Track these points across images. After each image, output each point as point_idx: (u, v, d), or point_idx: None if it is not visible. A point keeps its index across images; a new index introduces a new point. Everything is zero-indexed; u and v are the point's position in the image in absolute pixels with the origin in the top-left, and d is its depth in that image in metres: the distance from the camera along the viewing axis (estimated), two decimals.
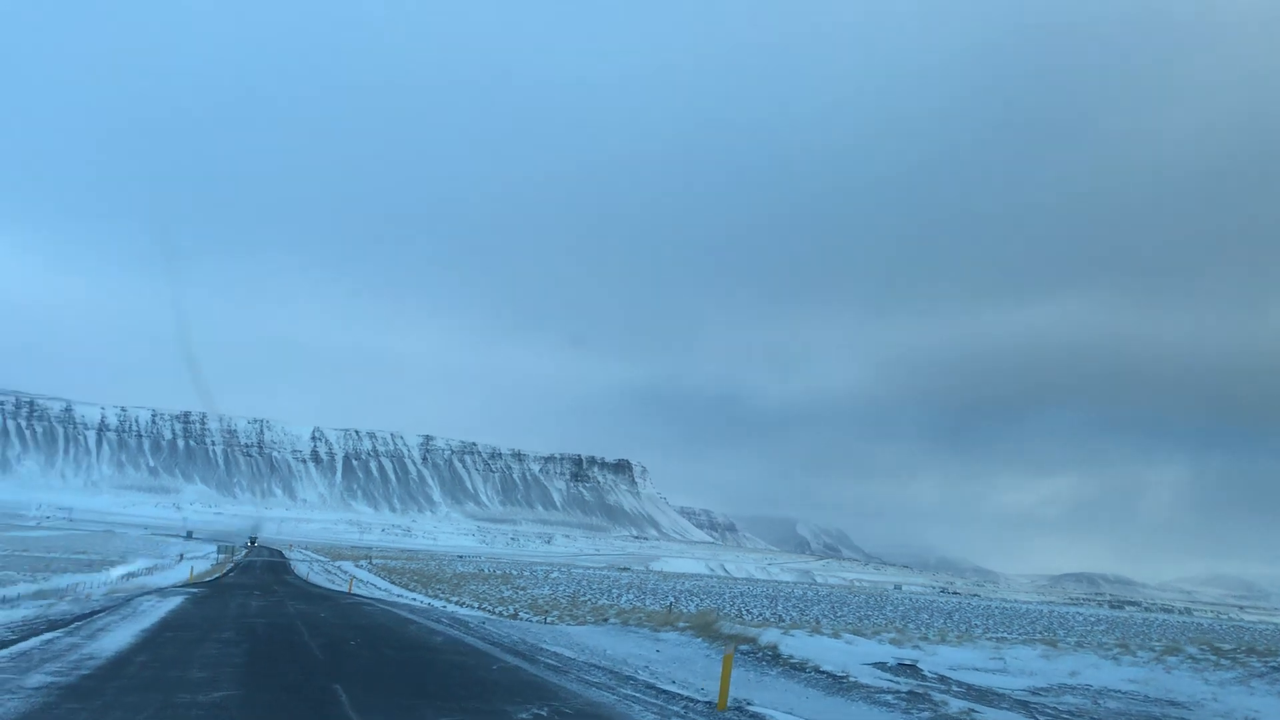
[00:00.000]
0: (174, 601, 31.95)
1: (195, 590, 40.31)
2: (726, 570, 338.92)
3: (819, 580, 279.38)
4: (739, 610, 58.69)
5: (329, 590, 49.12)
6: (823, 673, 20.22)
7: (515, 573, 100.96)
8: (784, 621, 44.97)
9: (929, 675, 21.63)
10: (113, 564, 67.61)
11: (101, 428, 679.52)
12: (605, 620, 31.92)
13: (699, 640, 25.17)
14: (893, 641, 29.30)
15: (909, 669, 22.60)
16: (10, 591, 34.98)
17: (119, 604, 30.22)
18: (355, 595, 44.23)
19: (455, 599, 50.07)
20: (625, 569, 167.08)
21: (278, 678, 16.33)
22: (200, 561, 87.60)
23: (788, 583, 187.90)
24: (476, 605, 44.81)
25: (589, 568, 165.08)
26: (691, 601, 65.61)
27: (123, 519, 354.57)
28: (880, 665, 22.78)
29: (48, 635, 20.19)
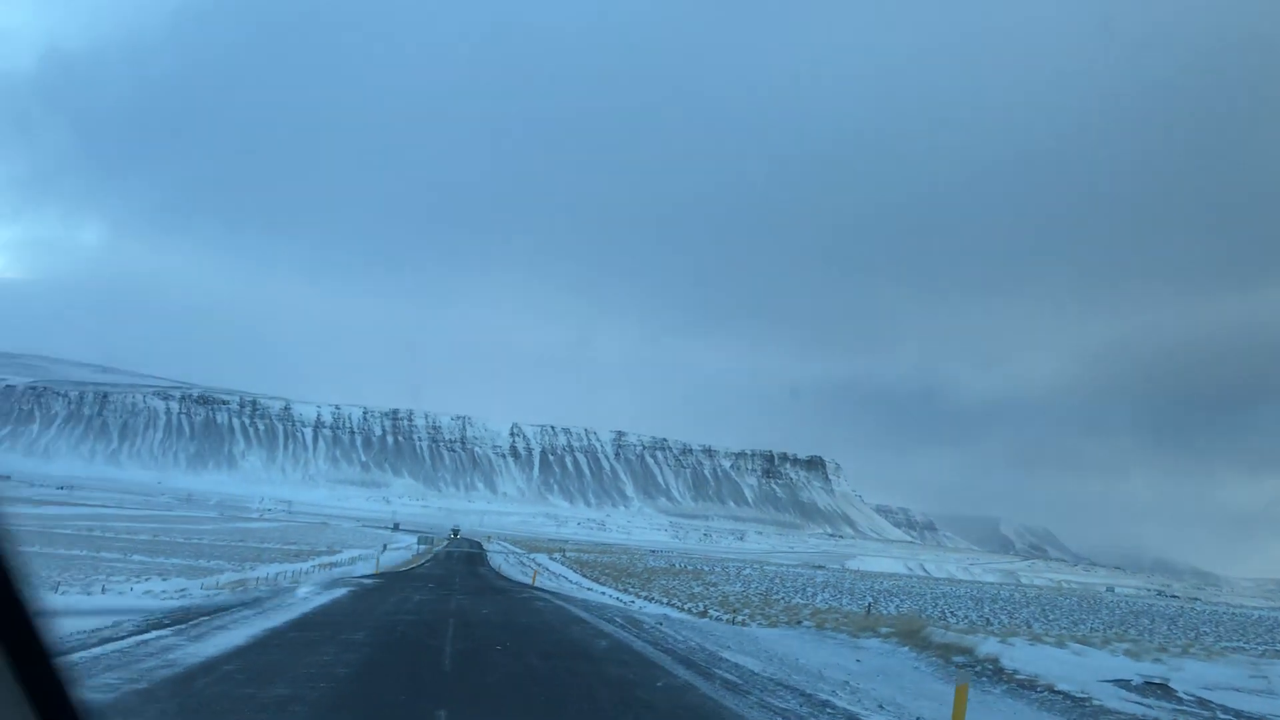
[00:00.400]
0: (334, 595, 31.35)
1: (371, 582, 39.95)
2: (926, 570, 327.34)
3: (1024, 581, 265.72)
4: (942, 612, 55.06)
5: (511, 583, 47.86)
6: (1058, 692, 17.34)
7: (706, 568, 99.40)
8: (992, 625, 41.45)
9: (1185, 698, 18.40)
10: (318, 554, 70.11)
11: (317, 425, 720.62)
12: (799, 622, 29.50)
13: (905, 649, 22.52)
14: (1128, 654, 25.69)
15: (1159, 689, 19.36)
16: (209, 581, 35.86)
17: (271, 595, 29.49)
18: (536, 589, 42.87)
19: (645, 594, 48.76)
20: (820, 566, 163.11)
21: (375, 698, 13.46)
22: (402, 552, 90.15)
23: (991, 584, 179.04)
24: (665, 601, 43.23)
25: (782, 565, 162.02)
26: (891, 602, 62.26)
27: (336, 511, 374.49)
28: (1123, 683, 19.61)
29: (152, 634, 17.81)
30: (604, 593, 49.10)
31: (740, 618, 34.67)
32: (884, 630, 24.87)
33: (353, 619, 24.00)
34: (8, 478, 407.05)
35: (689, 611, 37.33)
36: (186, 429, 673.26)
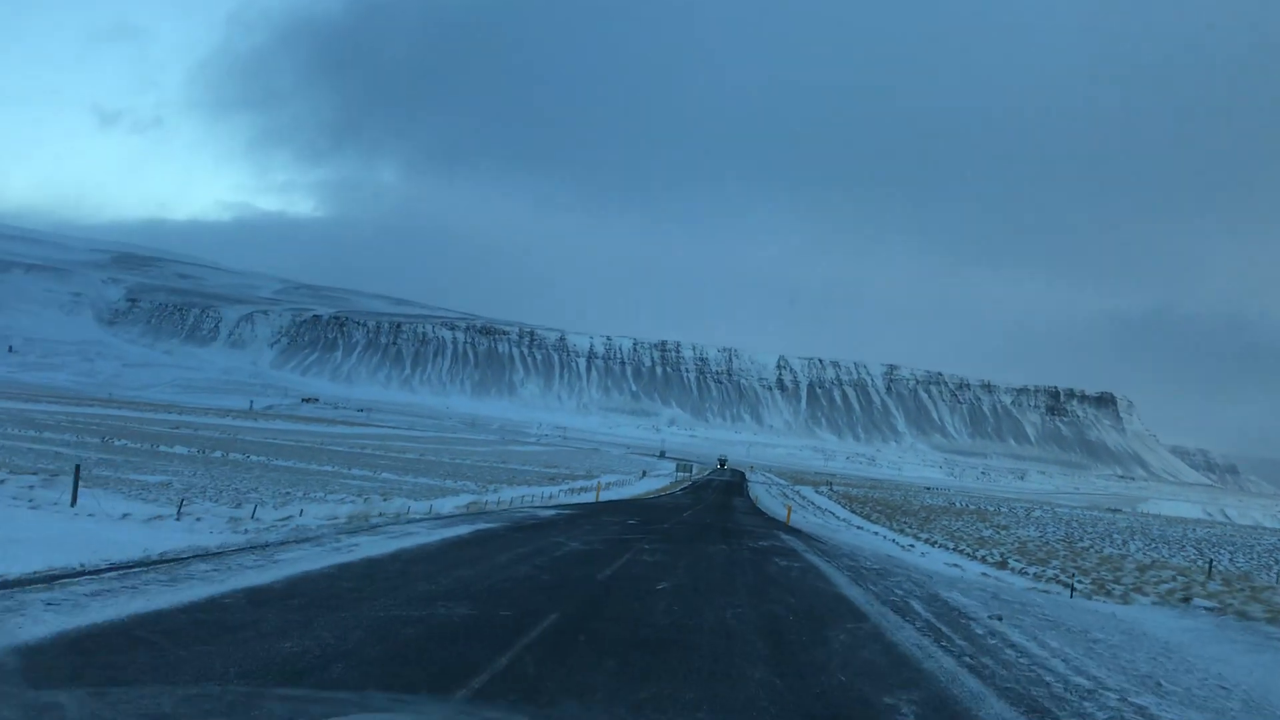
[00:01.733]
0: (487, 526, 22.04)
1: (573, 512, 34.53)
2: (1227, 516, 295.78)
3: None
4: None
5: (762, 521, 40.30)
6: None
7: (991, 508, 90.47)
8: None
9: None
10: (575, 478, 68.02)
11: (590, 355, 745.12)
12: (1185, 599, 19.18)
13: None
14: None
15: None
16: (444, 502, 32.88)
17: (389, 524, 21.32)
18: (790, 532, 33.64)
19: (924, 535, 42.25)
20: (1116, 510, 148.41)
21: None
22: (661, 479, 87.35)
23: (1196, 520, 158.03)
24: (952, 546, 36.54)
25: (1070, 507, 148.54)
26: (1222, 555, 52.46)
27: (608, 438, 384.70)
28: None
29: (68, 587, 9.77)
30: (876, 533, 42.99)
31: (1049, 571, 27.64)
32: None
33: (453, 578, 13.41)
34: (317, 399, 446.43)
35: (986, 562, 30.54)
36: (471, 358, 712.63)
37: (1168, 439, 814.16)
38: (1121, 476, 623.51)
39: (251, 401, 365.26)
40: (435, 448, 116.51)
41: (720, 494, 74.14)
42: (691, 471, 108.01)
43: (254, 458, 54.52)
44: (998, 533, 49.98)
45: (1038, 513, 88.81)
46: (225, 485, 34.45)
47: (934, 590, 17.31)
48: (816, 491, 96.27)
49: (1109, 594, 20.28)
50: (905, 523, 51.22)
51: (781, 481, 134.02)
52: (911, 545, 35.30)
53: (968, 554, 33.40)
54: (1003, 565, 29.30)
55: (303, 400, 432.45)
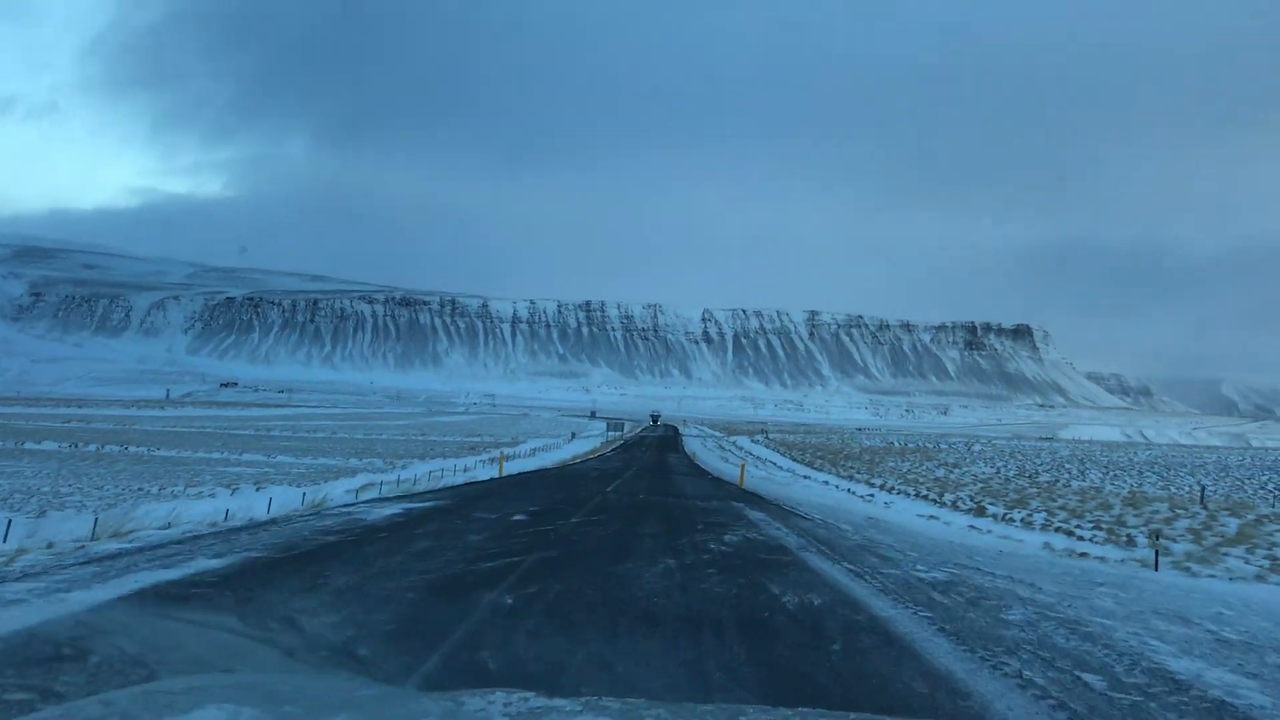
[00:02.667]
0: (378, 514, 17.47)
1: (444, 502, 29.81)
2: (1145, 437, 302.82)
3: (1254, 444, 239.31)
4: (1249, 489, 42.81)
5: (708, 485, 33.91)
6: None
7: (930, 446, 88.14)
8: None
9: None
10: (498, 445, 63.59)
11: (514, 320, 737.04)
12: (1258, 545, 16.59)
13: None
14: None
15: None
16: (339, 486, 28.22)
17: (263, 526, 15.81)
18: (752, 499, 27.26)
19: (877, 481, 38.70)
20: (1048, 438, 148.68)
21: None
22: (591, 440, 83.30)
23: (1222, 448, 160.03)
24: (913, 492, 32.96)
25: (1004, 438, 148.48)
26: (1182, 478, 50.25)
27: (539, 402, 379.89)
28: None
29: None
30: (827, 482, 39.30)
31: (1055, 525, 23.51)
32: None
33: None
34: (236, 384, 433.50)
35: (959, 508, 26.78)
36: (392, 330, 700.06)
37: (1083, 366, 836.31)
38: (1041, 405, 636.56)
39: (168, 390, 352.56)
40: (352, 424, 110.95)
41: (655, 452, 69.94)
42: (623, 430, 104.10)
43: (134, 449, 49.21)
44: (950, 472, 46.83)
45: (978, 447, 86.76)
46: (67, 486, 29.39)
47: (974, 583, 12.02)
48: (752, 441, 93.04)
49: (1203, 561, 15.60)
50: (853, 468, 47.85)
51: (716, 434, 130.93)
52: (871, 495, 31.59)
53: (934, 500, 29.76)
54: (980, 512, 25.62)
55: (221, 385, 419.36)
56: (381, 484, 27.64)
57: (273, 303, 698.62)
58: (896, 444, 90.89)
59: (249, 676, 5.29)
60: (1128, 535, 19.10)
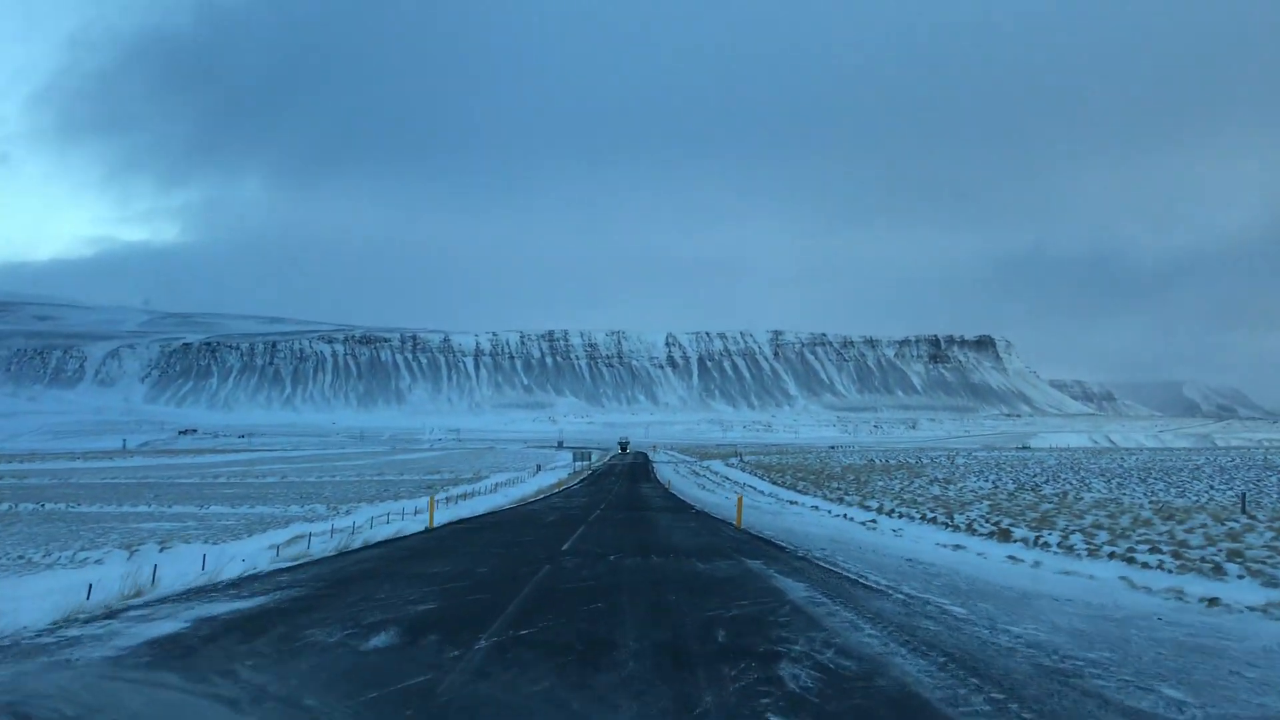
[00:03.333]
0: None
1: (301, 586, 25.14)
2: (1112, 441, 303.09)
3: (1220, 444, 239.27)
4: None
5: (695, 524, 28.59)
6: None
7: (912, 461, 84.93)
8: None
9: None
10: (459, 483, 59.62)
11: (477, 353, 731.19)
12: None
13: None
14: None
15: None
16: (257, 541, 24.25)
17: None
18: (760, 544, 22.07)
19: (873, 504, 35.19)
20: (1025, 448, 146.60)
21: None
22: (558, 472, 79.39)
23: (1187, 449, 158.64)
24: (918, 515, 29.44)
25: (976, 451, 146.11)
26: (1195, 484, 47.21)
27: (505, 435, 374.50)
28: None
29: None
30: (816, 507, 35.78)
31: (1133, 553, 19.66)
32: None
33: None
34: (195, 430, 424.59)
35: (976, 532, 23.24)
36: (353, 369, 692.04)
37: (1046, 374, 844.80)
38: (1008, 415, 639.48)
39: (124, 440, 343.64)
40: (307, 467, 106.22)
41: (626, 483, 65.93)
42: (591, 459, 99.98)
43: (52, 505, 44.75)
44: (945, 489, 43.47)
45: (961, 460, 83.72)
46: None
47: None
48: (727, 465, 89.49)
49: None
50: (840, 489, 44.38)
51: (688, 458, 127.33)
52: (873, 522, 28.03)
53: (945, 523, 26.22)
54: (1005, 536, 22.11)
55: (179, 433, 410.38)
56: (311, 536, 23.69)
57: (231, 346, 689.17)
58: (877, 461, 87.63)
59: None
60: (1207, 561, 15.61)
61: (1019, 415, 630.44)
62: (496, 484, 55.14)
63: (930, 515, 28.94)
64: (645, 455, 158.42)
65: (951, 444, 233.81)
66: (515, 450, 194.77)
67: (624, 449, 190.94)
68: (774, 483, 55.30)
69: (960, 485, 45.84)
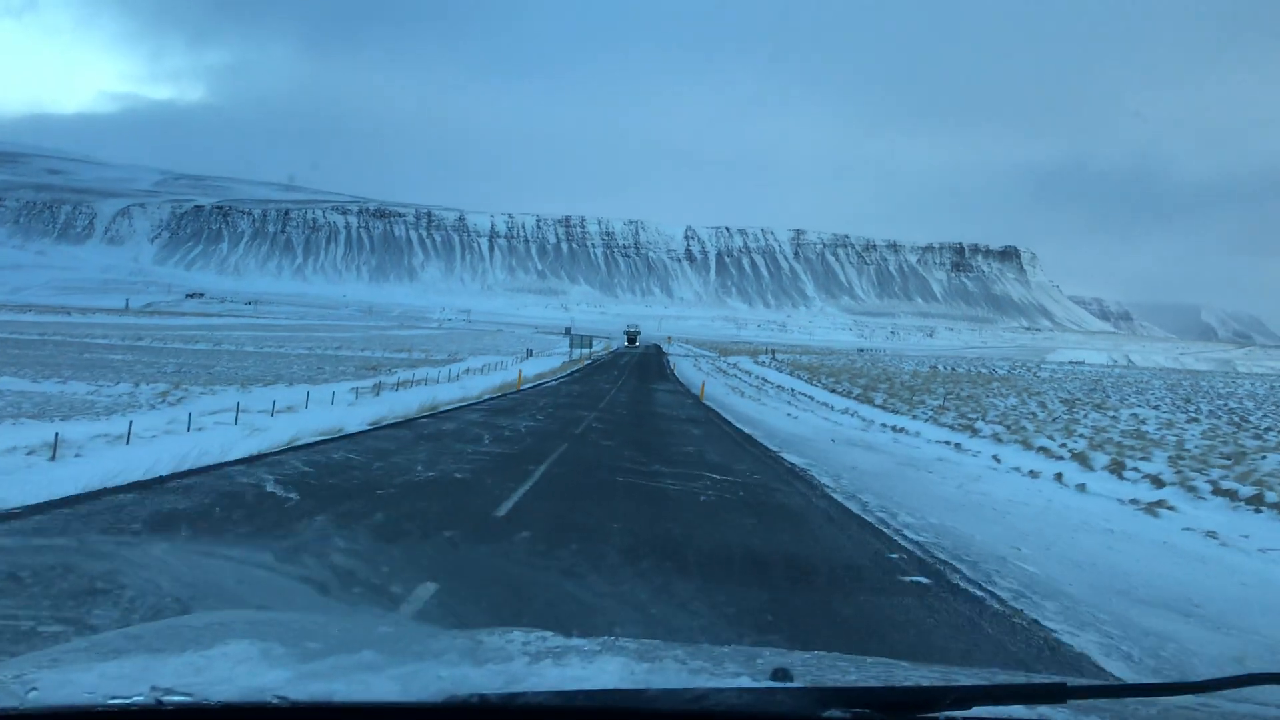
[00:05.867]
0: None
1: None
2: (1131, 361, 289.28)
3: (1242, 370, 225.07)
4: None
5: (766, 440, 21.35)
6: None
7: (986, 371, 71.21)
8: None
9: None
10: (422, 365, 46.84)
11: (492, 235, 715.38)
12: None
13: None
14: None
15: None
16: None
17: None
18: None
19: (1045, 440, 21.94)
20: (1079, 362, 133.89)
21: None
22: (552, 359, 66.18)
23: (1208, 372, 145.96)
24: (1178, 478, 16.04)
25: (1026, 363, 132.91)
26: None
27: (515, 319, 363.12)
28: None
29: None
30: (953, 444, 22.44)
31: None
32: None
33: None
34: (202, 295, 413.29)
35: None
36: (366, 243, 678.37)
37: (1067, 290, 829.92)
38: (1027, 328, 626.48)
39: (127, 300, 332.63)
40: (279, 336, 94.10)
41: (636, 378, 52.42)
42: (591, 347, 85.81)
43: None
44: (1113, 418, 30.10)
45: (1045, 372, 70.13)
46: None
47: None
48: (757, 363, 76.29)
49: None
50: (914, 402, 31.23)
51: (708, 353, 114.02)
52: (1160, 507, 14.61)
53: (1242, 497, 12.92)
54: None
55: (186, 296, 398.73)
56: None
57: (243, 212, 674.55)
58: (941, 369, 73.45)
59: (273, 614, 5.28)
60: None
61: (1038, 329, 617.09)
62: (463, 371, 41.49)
63: (1202, 478, 15.62)
64: (659, 347, 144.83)
65: (970, 354, 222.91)
66: (523, 334, 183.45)
67: (632, 341, 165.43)
68: (832, 390, 41.76)
69: (1116, 413, 32.40)
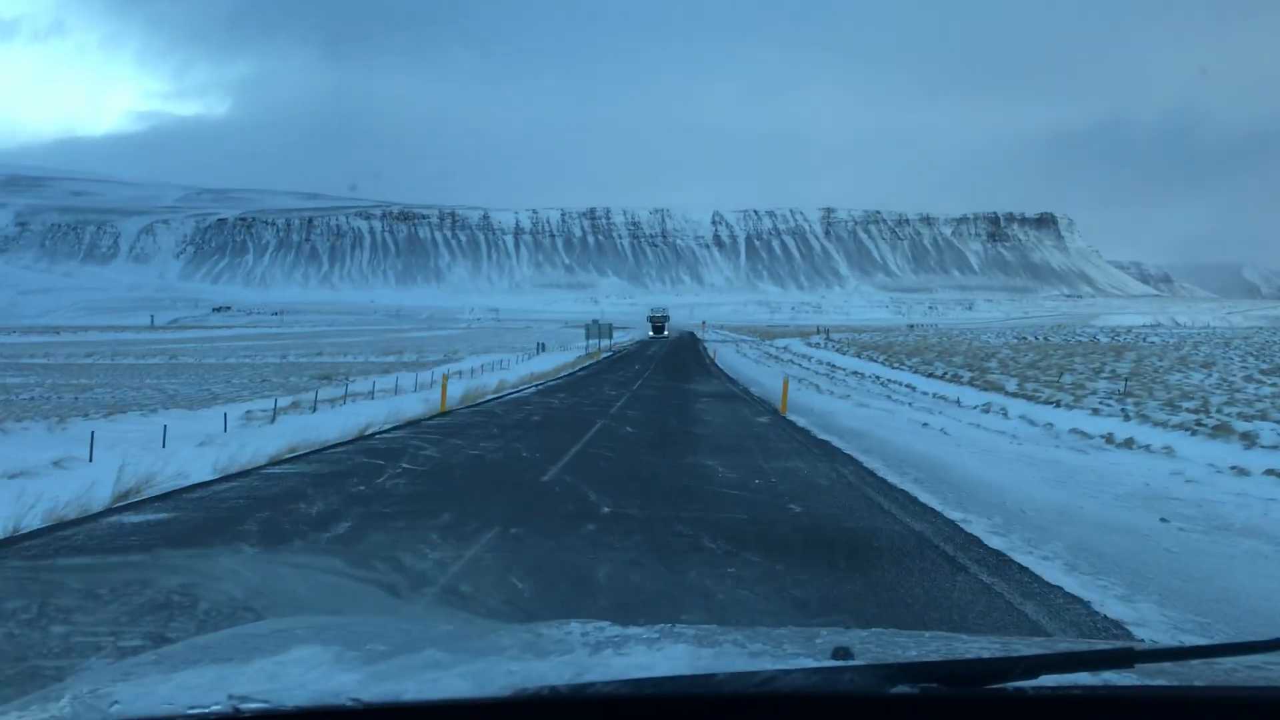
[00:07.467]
0: None
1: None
2: (1178, 323, 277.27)
3: None
4: None
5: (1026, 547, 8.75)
6: None
7: (1064, 340, 61.47)
8: None
9: None
10: (398, 369, 38.27)
11: (517, 231, 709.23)
12: None
13: None
14: None
15: None
16: None
17: None
18: None
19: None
20: (1153, 328, 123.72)
21: None
22: (567, 353, 57.42)
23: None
24: None
25: (1055, 328, 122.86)
26: None
27: (545, 315, 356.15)
28: None
29: None
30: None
31: None
32: None
33: None
34: (229, 308, 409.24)
35: None
36: (392, 247, 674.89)
37: (1107, 254, 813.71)
38: (1069, 296, 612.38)
39: (152, 316, 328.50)
40: (278, 344, 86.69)
41: (662, 379, 36.57)
42: (611, 338, 74.58)
43: None
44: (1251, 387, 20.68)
45: (1153, 339, 60.41)
46: None
47: None
48: (809, 344, 67.11)
49: None
50: (1063, 386, 22.02)
51: (748, 337, 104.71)
52: None
53: None
54: None
55: (213, 309, 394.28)
56: None
57: (266, 222, 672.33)
58: (1031, 338, 63.33)
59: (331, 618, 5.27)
60: None
61: (1080, 296, 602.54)
62: (444, 375, 31.25)
63: None
64: (693, 334, 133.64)
65: (1012, 324, 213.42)
66: (550, 329, 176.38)
67: (659, 329, 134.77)
68: (929, 374, 31.96)
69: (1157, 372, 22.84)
